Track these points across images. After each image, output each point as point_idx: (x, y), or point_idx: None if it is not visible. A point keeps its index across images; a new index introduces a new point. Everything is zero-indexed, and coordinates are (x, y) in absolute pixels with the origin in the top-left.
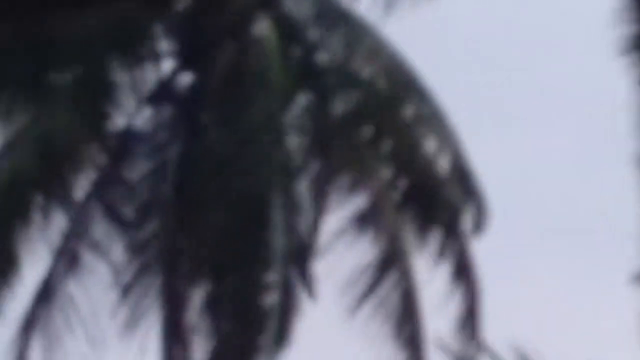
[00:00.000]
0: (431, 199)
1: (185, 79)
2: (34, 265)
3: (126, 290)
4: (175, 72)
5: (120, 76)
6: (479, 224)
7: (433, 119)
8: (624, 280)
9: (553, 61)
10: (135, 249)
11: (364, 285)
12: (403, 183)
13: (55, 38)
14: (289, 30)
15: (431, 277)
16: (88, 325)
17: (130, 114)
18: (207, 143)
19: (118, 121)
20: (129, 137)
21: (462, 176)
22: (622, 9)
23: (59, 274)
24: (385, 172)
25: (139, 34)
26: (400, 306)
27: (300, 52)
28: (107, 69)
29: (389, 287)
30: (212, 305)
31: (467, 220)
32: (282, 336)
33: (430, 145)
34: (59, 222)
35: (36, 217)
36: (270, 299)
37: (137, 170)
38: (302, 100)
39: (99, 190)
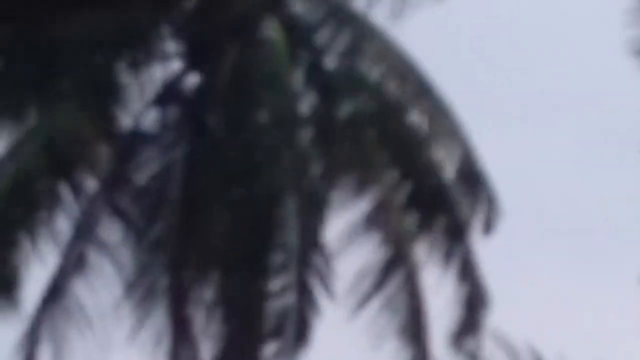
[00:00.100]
0: (436, 201)
1: (192, 80)
2: (41, 265)
3: (133, 290)
4: (182, 73)
5: (127, 77)
6: (489, 225)
7: (442, 120)
8: (624, 280)
9: (553, 61)
10: (142, 250)
11: (370, 285)
12: (408, 185)
13: (63, 39)
14: (296, 32)
15: (436, 278)
16: (95, 325)
17: (137, 114)
18: (214, 144)
19: (125, 122)
20: (135, 137)
21: (472, 177)
22: (634, 11)
23: (67, 274)
24: (391, 174)
25: (146, 36)
26: (406, 306)
27: (307, 53)
28: (114, 70)
29: (394, 287)
30: (220, 305)
31: (475, 221)
32: (300, 336)
33: (438, 147)
34: (66, 222)
35: (43, 217)
36: (285, 299)
37: (144, 171)
38: (309, 101)
39: (106, 191)
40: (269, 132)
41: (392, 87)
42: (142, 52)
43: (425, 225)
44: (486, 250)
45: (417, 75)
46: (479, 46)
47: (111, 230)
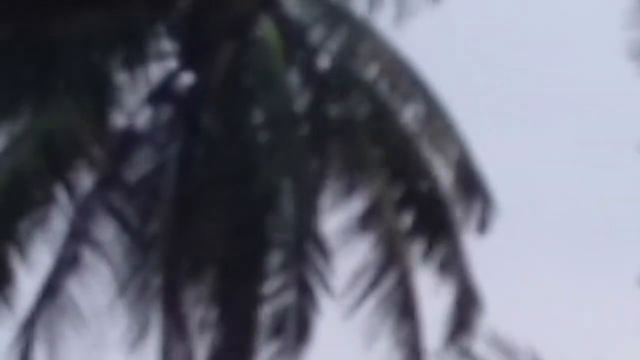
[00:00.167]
0: (430, 201)
1: (186, 79)
2: (35, 264)
3: (127, 290)
4: (176, 73)
5: (121, 76)
6: (484, 224)
7: (437, 119)
8: (623, 280)
9: (553, 61)
10: (136, 249)
11: (364, 285)
12: (402, 185)
13: (57, 38)
14: (290, 31)
15: (429, 277)
16: (89, 324)
17: (131, 113)
18: (208, 143)
19: (119, 121)
20: (129, 137)
21: (467, 177)
22: (633, 13)
23: (61, 273)
24: (385, 174)
25: (140, 35)
26: (400, 305)
27: (301, 52)
28: (108, 69)
29: (388, 286)
30: (215, 305)
31: (469, 221)
32: (301, 335)
33: (432, 146)
34: (60, 221)
35: (37, 216)
36: (284, 298)
37: (138, 170)
38: (303, 100)
39: (100, 190)
40: (263, 131)
41: (386, 87)
42: (136, 51)
43: (418, 225)
44: (486, 251)
45: (411, 74)
46: (478, 46)
47: (105, 229)
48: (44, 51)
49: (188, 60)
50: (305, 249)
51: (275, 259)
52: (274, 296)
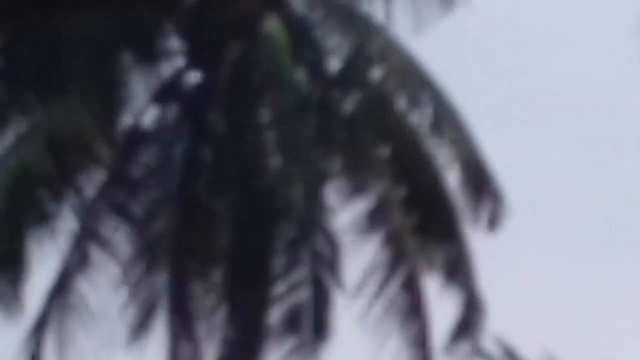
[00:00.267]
0: (436, 201)
1: (193, 77)
2: (44, 263)
3: (135, 288)
4: (183, 71)
5: (128, 75)
6: (495, 221)
7: (445, 117)
8: (624, 280)
9: (553, 62)
10: (144, 247)
11: (374, 283)
12: (409, 183)
13: (66, 37)
14: (297, 30)
15: (435, 278)
16: (99, 322)
17: (138, 112)
18: (215, 141)
19: (126, 119)
20: (136, 135)
21: (477, 175)
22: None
23: (71, 271)
24: (392, 174)
25: (147, 33)
26: (407, 306)
27: (308, 51)
28: (116, 68)
29: (397, 286)
30: (223, 304)
31: (477, 220)
32: (318, 331)
33: (440, 144)
34: (68, 219)
35: (46, 214)
36: (298, 295)
37: (145, 168)
38: (310, 98)
39: (108, 188)
40: (270, 129)
41: (394, 86)
42: (144, 50)
43: (425, 224)
44: (487, 251)
45: (419, 74)
46: (479, 47)
47: (113, 228)
48: (51, 50)
49: (195, 58)
50: (317, 246)
51: (285, 256)
52: (287, 293)
